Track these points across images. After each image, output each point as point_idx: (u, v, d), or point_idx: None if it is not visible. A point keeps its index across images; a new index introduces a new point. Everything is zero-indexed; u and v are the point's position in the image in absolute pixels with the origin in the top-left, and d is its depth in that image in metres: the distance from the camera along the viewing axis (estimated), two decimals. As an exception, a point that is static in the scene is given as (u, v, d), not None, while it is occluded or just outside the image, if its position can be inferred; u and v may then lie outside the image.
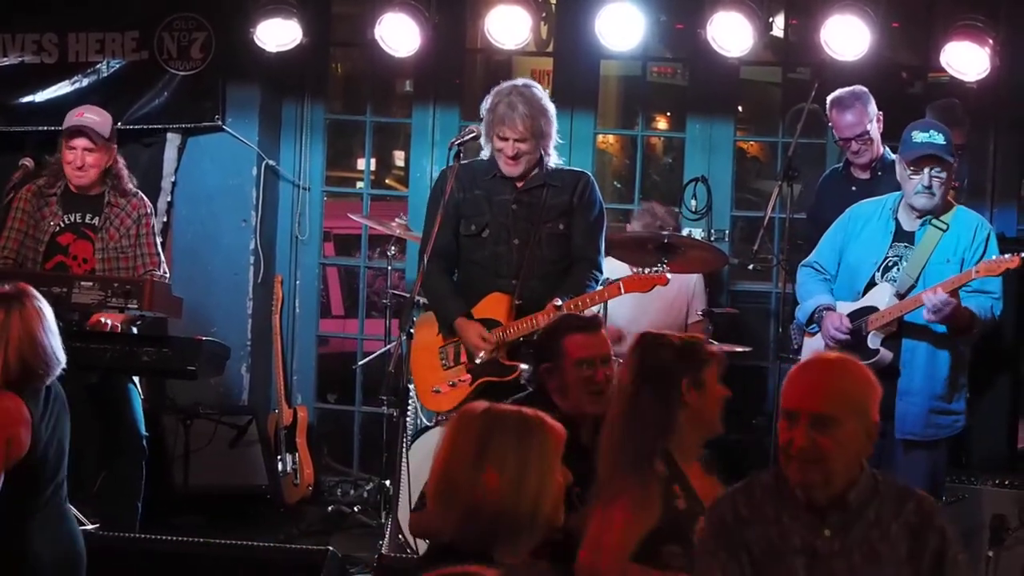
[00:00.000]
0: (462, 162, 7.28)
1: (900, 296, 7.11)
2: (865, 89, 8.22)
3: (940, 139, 7.02)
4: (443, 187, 7.15)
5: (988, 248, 7.11)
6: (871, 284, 7.21)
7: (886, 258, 7.20)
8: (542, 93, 7.24)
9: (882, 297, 7.13)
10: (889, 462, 7.07)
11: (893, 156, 8.01)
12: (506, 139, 7.15)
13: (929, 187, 7.01)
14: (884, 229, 7.23)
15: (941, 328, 7.03)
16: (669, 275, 7.21)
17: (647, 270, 7.21)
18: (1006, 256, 6.85)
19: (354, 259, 10.74)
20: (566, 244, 7.30)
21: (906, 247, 7.18)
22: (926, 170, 6.99)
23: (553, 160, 7.31)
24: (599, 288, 7.25)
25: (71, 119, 8.00)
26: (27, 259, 7.97)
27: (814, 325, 7.35)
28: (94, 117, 8.02)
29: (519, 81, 7.37)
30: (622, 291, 7.18)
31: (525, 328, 7.07)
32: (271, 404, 9.80)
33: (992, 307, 7.02)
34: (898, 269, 7.16)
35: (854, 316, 7.16)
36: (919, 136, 7.05)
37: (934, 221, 7.12)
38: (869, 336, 7.09)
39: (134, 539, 7.08)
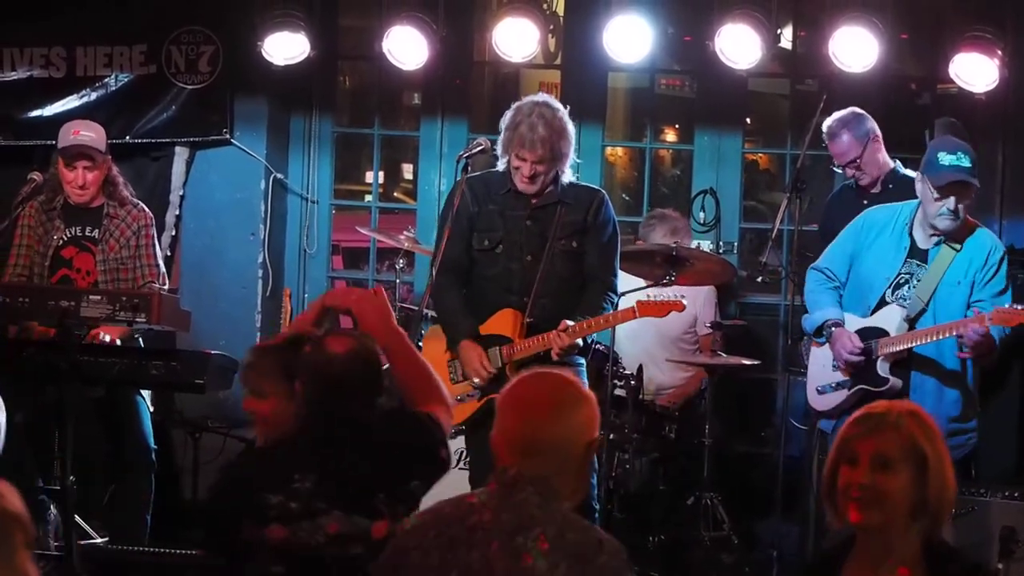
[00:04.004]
0: (477, 173, 7.27)
1: (910, 320, 7.07)
2: (856, 113, 8.23)
3: (967, 161, 6.94)
4: (453, 200, 7.14)
5: (999, 271, 7.08)
6: (882, 301, 7.19)
7: (899, 275, 7.17)
8: (563, 112, 7.15)
9: (892, 320, 7.09)
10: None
11: (904, 170, 8.02)
12: (524, 160, 7.09)
13: (954, 211, 6.97)
14: (898, 244, 7.18)
15: (951, 354, 7.03)
16: (686, 301, 7.22)
17: (664, 296, 7.19)
18: (1018, 307, 6.80)
19: (363, 272, 10.73)
20: (579, 262, 7.25)
21: (919, 265, 7.13)
22: (953, 197, 6.96)
23: (568, 176, 7.25)
24: (612, 311, 7.26)
25: (67, 138, 7.99)
26: (34, 274, 8.00)
27: (822, 337, 7.34)
28: (90, 134, 8.02)
29: (539, 98, 7.29)
30: (636, 315, 7.20)
31: (535, 346, 7.05)
32: (280, 418, 9.77)
33: (1002, 328, 6.98)
34: (909, 287, 7.12)
35: (863, 335, 7.14)
36: (946, 158, 6.95)
37: (948, 241, 7.09)
38: (878, 362, 7.06)
39: (143, 552, 7.08)
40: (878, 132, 8.25)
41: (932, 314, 7.06)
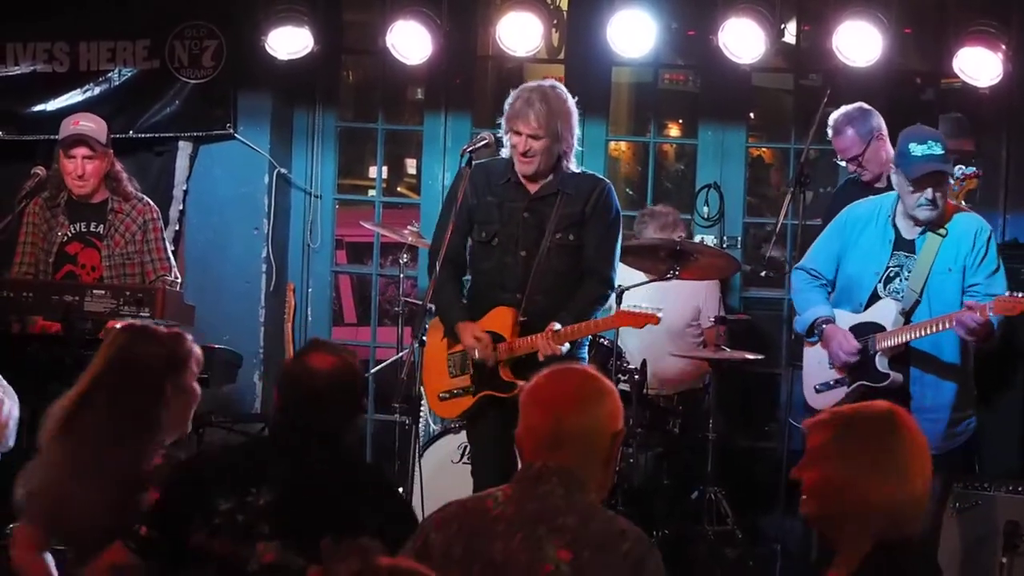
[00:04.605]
0: (481, 161, 7.20)
1: (905, 313, 7.06)
2: (863, 109, 8.21)
3: (939, 149, 6.94)
4: (456, 191, 7.11)
5: (989, 252, 7.06)
6: (874, 296, 7.17)
7: (887, 268, 7.15)
8: (566, 96, 7.08)
9: (887, 314, 7.08)
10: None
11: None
12: (519, 134, 7.00)
13: (932, 200, 6.96)
14: (883, 237, 7.17)
15: (948, 343, 7.03)
16: (660, 315, 7.14)
17: (642, 308, 7.14)
18: (1018, 295, 6.79)
19: (366, 267, 10.75)
20: (576, 256, 7.15)
21: (907, 256, 7.12)
22: (930, 187, 6.94)
23: (573, 166, 7.15)
24: (604, 306, 7.24)
25: (68, 128, 8.03)
26: (39, 271, 8.02)
27: (814, 336, 7.32)
28: (91, 124, 8.05)
29: (546, 81, 7.25)
30: (616, 323, 7.19)
31: (527, 347, 7.01)
32: (283, 412, 9.78)
33: None
34: (900, 280, 7.11)
35: (858, 331, 7.12)
36: (918, 149, 6.93)
37: (933, 229, 7.06)
38: (877, 358, 7.05)
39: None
40: (884, 129, 8.23)
41: (927, 304, 7.05)
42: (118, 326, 5.39)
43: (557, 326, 6.93)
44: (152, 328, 5.24)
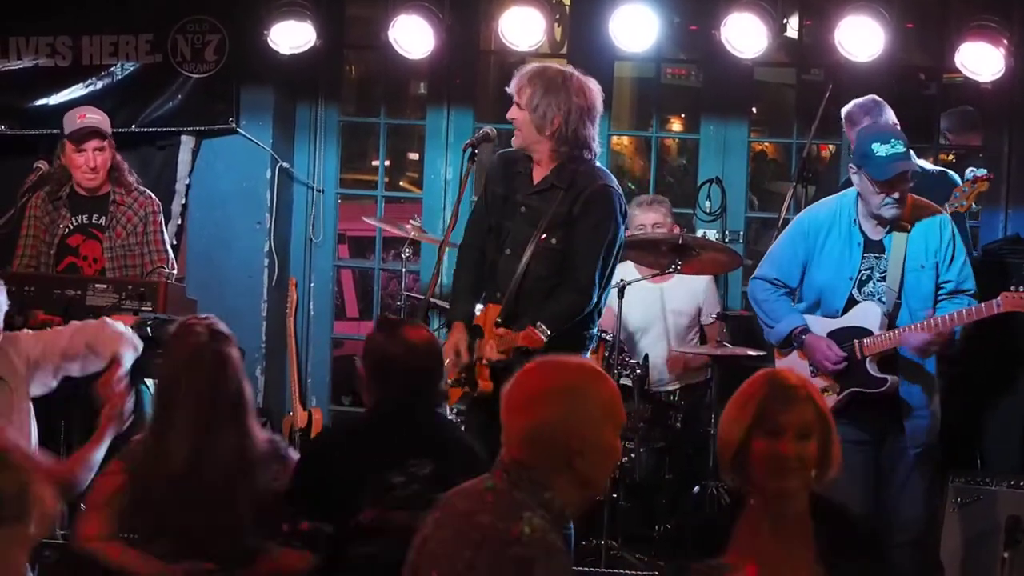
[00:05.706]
0: (509, 150, 7.01)
1: (889, 315, 7.01)
2: (876, 101, 8.16)
3: (901, 147, 6.86)
4: (484, 181, 7.00)
5: (956, 244, 7.02)
6: (850, 301, 7.10)
7: (860, 272, 7.08)
8: (574, 84, 6.76)
9: (872, 318, 6.98)
10: (899, 477, 7.04)
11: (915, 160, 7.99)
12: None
13: (898, 199, 6.91)
14: (850, 241, 7.07)
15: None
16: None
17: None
18: (1023, 289, 6.77)
19: (368, 261, 10.75)
20: (559, 261, 6.76)
21: (876, 257, 7.02)
22: (897, 187, 6.90)
23: (580, 160, 6.81)
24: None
25: (74, 122, 8.05)
26: (41, 264, 8.04)
27: (789, 347, 7.25)
28: (96, 117, 8.11)
29: (566, 67, 6.99)
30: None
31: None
32: (285, 406, 9.80)
33: (969, 304, 6.95)
34: (873, 283, 7.01)
35: (841, 336, 7.06)
36: (882, 149, 6.82)
37: (897, 226, 7.03)
38: (867, 363, 7.00)
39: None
40: (896, 123, 8.21)
41: (905, 304, 7.00)
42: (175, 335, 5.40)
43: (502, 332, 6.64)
44: (183, 323, 5.33)
